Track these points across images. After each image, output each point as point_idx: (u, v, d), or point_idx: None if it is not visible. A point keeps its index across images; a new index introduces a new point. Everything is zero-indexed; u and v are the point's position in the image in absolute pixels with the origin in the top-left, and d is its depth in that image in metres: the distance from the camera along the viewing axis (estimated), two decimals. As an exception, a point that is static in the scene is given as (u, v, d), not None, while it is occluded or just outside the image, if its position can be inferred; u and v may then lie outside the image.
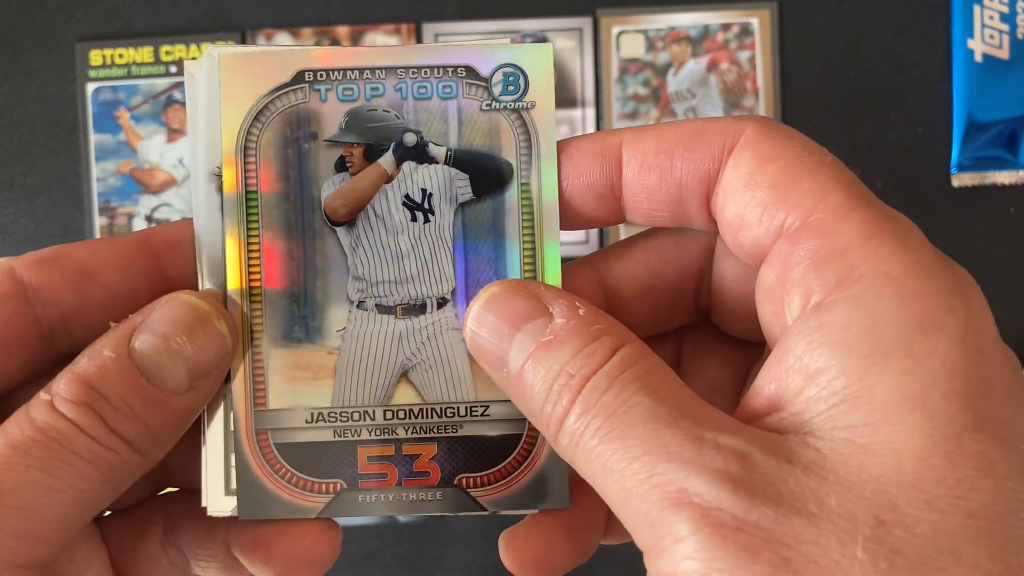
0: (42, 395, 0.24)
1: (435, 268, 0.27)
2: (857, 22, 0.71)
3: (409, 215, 0.27)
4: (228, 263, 0.27)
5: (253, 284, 0.27)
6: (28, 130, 0.73)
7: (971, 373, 0.20)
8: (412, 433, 0.27)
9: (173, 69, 0.72)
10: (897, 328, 0.21)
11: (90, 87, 0.72)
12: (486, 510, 0.27)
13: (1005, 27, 0.69)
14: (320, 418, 0.27)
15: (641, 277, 0.28)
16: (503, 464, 0.27)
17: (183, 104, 0.72)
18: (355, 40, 0.71)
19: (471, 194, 0.27)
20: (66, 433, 0.23)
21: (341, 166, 0.27)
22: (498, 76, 0.27)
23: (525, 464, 0.27)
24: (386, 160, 0.27)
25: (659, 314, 0.29)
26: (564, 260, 0.27)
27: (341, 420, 0.27)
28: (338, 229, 0.27)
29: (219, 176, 0.27)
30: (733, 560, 0.19)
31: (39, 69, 0.72)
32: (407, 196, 0.27)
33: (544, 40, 0.70)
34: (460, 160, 0.27)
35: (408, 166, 0.27)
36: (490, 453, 0.27)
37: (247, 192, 0.27)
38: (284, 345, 0.27)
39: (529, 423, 0.27)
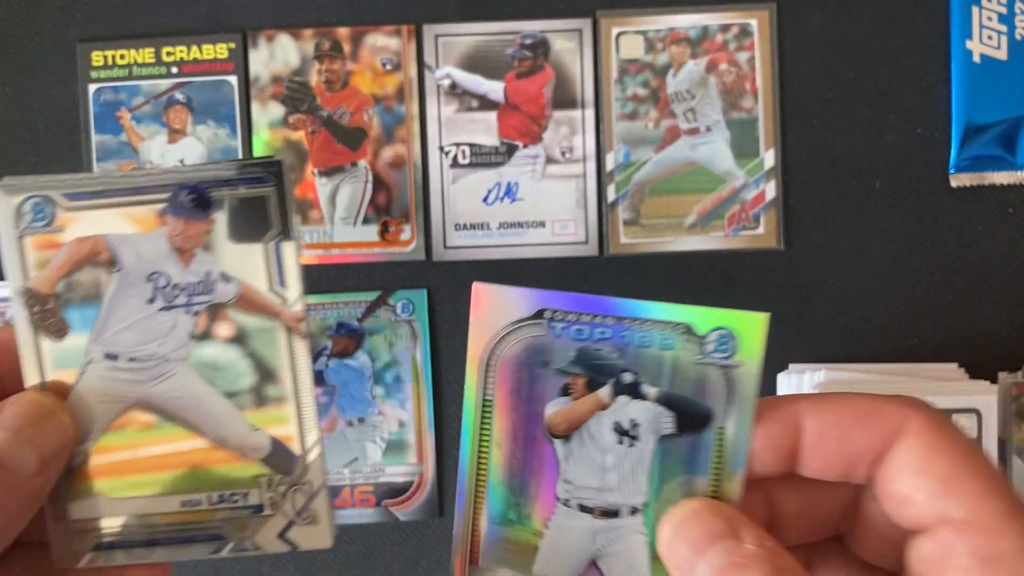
0: None
1: (633, 483, 0.32)
2: (856, 22, 0.71)
3: (617, 438, 0.32)
4: (463, 453, 0.32)
5: (480, 471, 0.32)
6: (29, 130, 0.73)
7: None
8: None
9: (174, 70, 0.72)
10: None
11: (91, 88, 0.72)
12: None
13: (1003, 28, 0.69)
14: None
15: (803, 497, 0.32)
16: None
17: (185, 104, 0.72)
18: (355, 40, 0.71)
19: (673, 430, 0.31)
20: None
21: (564, 391, 0.32)
22: (713, 336, 0.31)
23: None
24: (604, 392, 0.31)
25: (807, 532, 0.33)
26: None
27: None
28: (555, 440, 0.32)
29: (23, 295, 0.31)
30: None
31: (40, 70, 0.73)
32: (617, 423, 0.32)
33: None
34: (668, 401, 0.31)
35: (622, 399, 0.32)
36: None
37: (484, 400, 0.32)
38: (499, 522, 0.32)
39: None
